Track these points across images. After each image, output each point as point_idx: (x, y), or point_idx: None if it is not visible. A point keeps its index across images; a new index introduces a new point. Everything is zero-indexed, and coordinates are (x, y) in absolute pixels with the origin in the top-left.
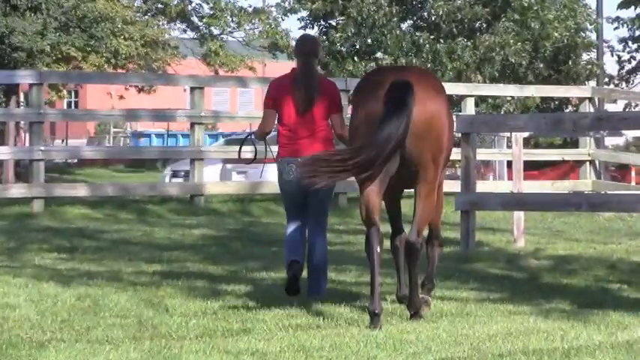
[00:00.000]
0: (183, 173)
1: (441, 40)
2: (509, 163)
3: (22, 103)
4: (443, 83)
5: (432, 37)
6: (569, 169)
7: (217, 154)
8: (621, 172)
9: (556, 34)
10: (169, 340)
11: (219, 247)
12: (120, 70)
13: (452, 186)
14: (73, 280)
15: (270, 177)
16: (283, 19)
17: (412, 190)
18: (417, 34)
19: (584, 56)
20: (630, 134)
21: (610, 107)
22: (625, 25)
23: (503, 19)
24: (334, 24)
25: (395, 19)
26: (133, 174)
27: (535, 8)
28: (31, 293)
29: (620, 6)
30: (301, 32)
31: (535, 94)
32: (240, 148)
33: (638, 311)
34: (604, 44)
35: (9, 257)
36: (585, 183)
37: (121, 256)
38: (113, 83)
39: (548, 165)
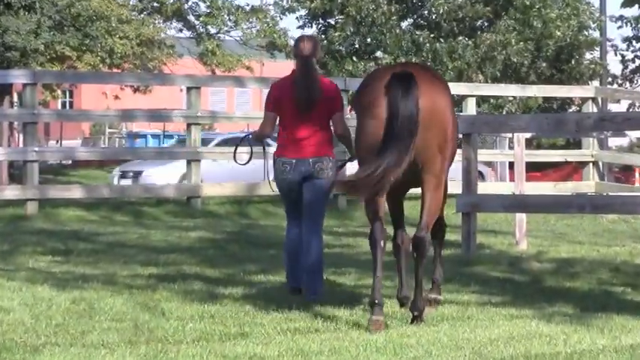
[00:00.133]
0: (132, 174)
1: (442, 39)
2: (511, 164)
3: (15, 104)
4: None
5: (432, 35)
6: (572, 170)
7: (214, 155)
8: (625, 173)
9: (558, 33)
10: (166, 344)
11: (217, 249)
12: (115, 70)
13: (453, 187)
14: (67, 284)
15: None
16: (281, 18)
17: (413, 191)
18: (417, 32)
19: (588, 55)
20: (634, 135)
21: (613, 107)
22: (629, 24)
23: (505, 18)
24: (333, 23)
25: (394, 17)
26: None
27: (537, 6)
28: (25, 297)
29: (624, 4)
30: (299, 31)
31: (537, 94)
32: (236, 149)
33: None
34: (607, 43)
35: (3, 260)
36: (588, 184)
37: (117, 258)
38: (108, 83)
39: (550, 166)
